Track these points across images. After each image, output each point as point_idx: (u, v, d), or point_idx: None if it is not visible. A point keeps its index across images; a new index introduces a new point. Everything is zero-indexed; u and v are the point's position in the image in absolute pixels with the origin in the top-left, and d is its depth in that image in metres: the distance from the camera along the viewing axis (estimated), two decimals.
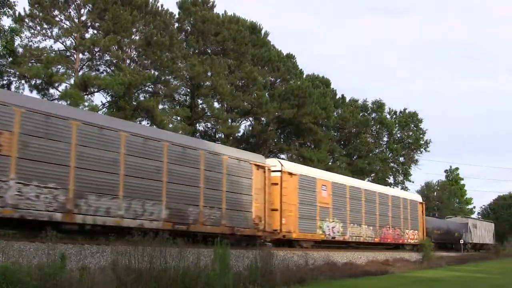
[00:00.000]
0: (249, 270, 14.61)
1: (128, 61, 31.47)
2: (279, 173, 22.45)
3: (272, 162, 23.43)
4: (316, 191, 24.58)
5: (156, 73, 31.48)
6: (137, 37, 31.12)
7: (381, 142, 55.94)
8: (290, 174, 22.93)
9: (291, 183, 22.86)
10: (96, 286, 10.08)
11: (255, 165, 20.52)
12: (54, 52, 29.29)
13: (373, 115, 54.77)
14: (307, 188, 24.01)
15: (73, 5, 29.53)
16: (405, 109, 56.72)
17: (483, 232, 52.56)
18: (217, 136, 41.34)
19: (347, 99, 53.76)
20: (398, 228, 33.08)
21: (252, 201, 20.07)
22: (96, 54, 30.99)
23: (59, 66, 29.12)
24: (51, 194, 13.56)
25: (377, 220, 30.35)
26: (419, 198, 38.74)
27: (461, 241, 44.93)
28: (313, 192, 24.47)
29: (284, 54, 42.72)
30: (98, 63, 32.16)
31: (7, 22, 28.28)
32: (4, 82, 28.49)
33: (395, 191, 37.20)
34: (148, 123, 33.33)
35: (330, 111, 42.76)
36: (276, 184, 22.18)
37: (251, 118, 41.46)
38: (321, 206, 24.97)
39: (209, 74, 34.38)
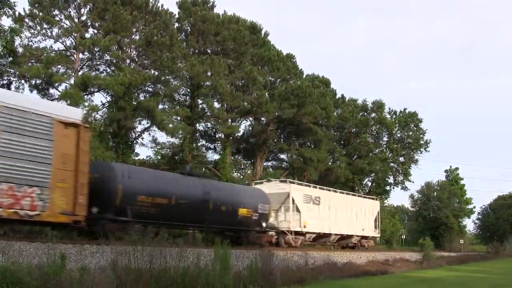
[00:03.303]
0: (249, 270, 14.62)
1: (128, 61, 31.45)
2: None
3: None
4: None
5: (156, 73, 31.47)
6: (137, 37, 31.11)
7: (381, 142, 55.88)
8: None
9: None
10: (96, 286, 10.07)
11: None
12: (54, 52, 29.28)
13: (373, 115, 54.70)
14: None
15: (73, 5, 29.53)
16: (405, 109, 56.66)
17: (342, 215, 31.93)
18: (217, 136, 41.35)
19: (347, 99, 53.75)
20: None
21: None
22: (96, 54, 30.97)
23: (59, 66, 29.12)
24: None
25: None
26: None
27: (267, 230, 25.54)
28: None
29: (284, 54, 42.69)
30: (98, 63, 32.16)
31: (7, 22, 28.30)
32: (4, 82, 28.51)
33: None
34: (148, 123, 33.40)
35: (330, 111, 42.73)
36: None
37: (251, 118, 41.44)
38: None
39: (209, 74, 34.36)
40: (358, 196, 38.50)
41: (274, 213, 26.80)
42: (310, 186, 30.67)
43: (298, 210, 27.55)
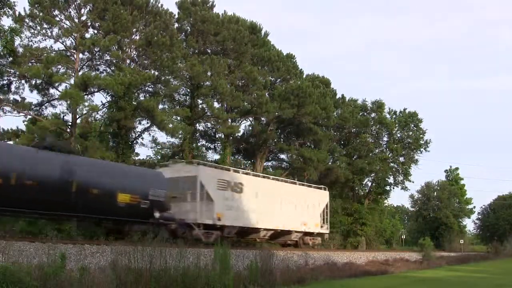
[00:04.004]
0: (249, 270, 14.63)
1: (128, 61, 31.44)
2: None
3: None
4: None
5: (156, 73, 31.46)
6: (137, 37, 31.10)
7: (381, 142, 55.83)
8: None
9: None
10: (96, 286, 10.07)
11: None
12: (54, 52, 29.25)
13: (373, 115, 54.68)
14: None
15: (73, 5, 29.48)
16: (405, 109, 56.63)
17: (275, 207, 27.23)
18: (217, 136, 41.35)
19: (347, 99, 53.73)
20: None
21: None
22: (96, 54, 30.95)
23: (59, 66, 29.08)
24: None
25: None
26: None
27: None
28: None
29: (284, 54, 42.69)
30: (98, 63, 32.13)
31: (7, 22, 28.28)
32: (4, 82, 28.49)
33: None
34: (148, 123, 33.39)
35: (330, 111, 42.71)
36: None
37: (251, 118, 41.44)
38: None
39: (209, 74, 34.36)
40: (300, 184, 32.07)
41: (180, 202, 22.10)
42: (229, 170, 25.70)
43: (210, 199, 22.95)
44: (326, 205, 32.35)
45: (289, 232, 28.38)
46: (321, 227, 31.23)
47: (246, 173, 27.24)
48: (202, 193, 22.70)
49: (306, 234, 29.90)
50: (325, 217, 31.93)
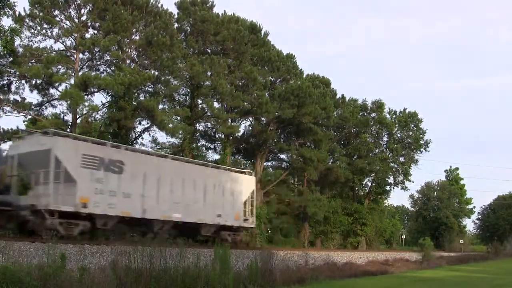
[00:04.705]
0: (249, 270, 14.63)
1: (128, 61, 31.44)
2: None
3: None
4: None
5: (156, 73, 31.46)
6: (137, 37, 31.10)
7: (381, 142, 55.90)
8: None
9: None
10: (96, 286, 10.08)
11: None
12: (54, 52, 29.26)
13: (373, 115, 54.72)
14: None
15: (73, 5, 29.49)
16: (405, 109, 56.70)
17: (175, 194, 22.39)
18: (217, 136, 41.35)
19: (347, 99, 53.75)
20: None
21: None
22: (96, 54, 30.96)
23: (59, 66, 29.09)
24: None
25: None
26: None
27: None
28: None
29: (284, 54, 42.68)
30: (98, 63, 32.14)
31: (7, 22, 28.26)
32: (4, 82, 28.49)
33: None
34: (148, 123, 33.38)
35: (330, 111, 42.72)
36: None
37: (251, 118, 41.44)
38: None
39: (209, 74, 34.36)
40: (213, 167, 25.90)
41: (35, 183, 18.07)
42: (106, 145, 20.60)
43: (70, 179, 18.13)
44: (252, 193, 26.61)
45: (197, 226, 22.94)
46: (245, 220, 25.63)
47: (132, 150, 22.43)
48: (59, 172, 17.79)
49: (224, 228, 24.47)
50: (251, 208, 26.35)
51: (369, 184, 57.80)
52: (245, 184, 26.39)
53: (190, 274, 11.94)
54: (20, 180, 18.44)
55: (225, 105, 37.24)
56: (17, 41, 27.63)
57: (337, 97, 51.55)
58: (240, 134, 41.53)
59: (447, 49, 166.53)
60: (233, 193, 25.18)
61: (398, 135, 56.30)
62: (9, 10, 26.29)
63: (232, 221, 24.82)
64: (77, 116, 29.22)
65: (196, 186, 23.07)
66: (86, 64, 31.35)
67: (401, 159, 56.44)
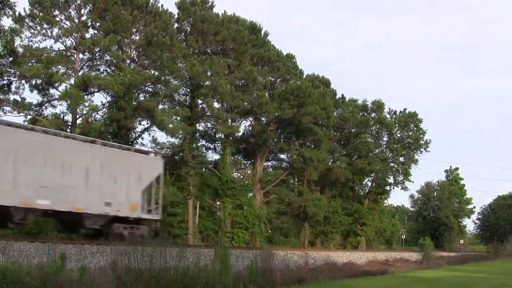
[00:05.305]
0: (249, 270, 14.64)
1: (128, 61, 31.44)
2: None
3: None
4: None
5: (156, 73, 31.45)
6: (137, 37, 31.10)
7: (381, 142, 55.88)
8: None
9: None
10: (96, 286, 10.08)
11: None
12: (54, 52, 29.27)
13: (373, 115, 54.72)
14: None
15: (74, 5, 29.50)
16: (405, 109, 56.68)
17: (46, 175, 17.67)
18: (217, 136, 41.34)
19: (347, 99, 53.77)
20: None
21: None
22: (96, 54, 30.97)
23: (59, 66, 29.10)
24: None
25: None
26: None
27: None
28: None
29: (284, 54, 42.68)
30: (98, 63, 32.14)
31: (7, 22, 28.27)
32: (4, 82, 28.49)
33: None
34: (148, 123, 33.38)
35: (330, 111, 42.71)
36: None
37: (251, 118, 41.42)
38: None
39: (209, 74, 34.34)
40: (102, 144, 20.53)
41: None
42: None
43: None
44: (157, 179, 21.99)
45: (78, 216, 18.46)
46: (148, 211, 21.29)
47: None
48: None
49: (118, 219, 19.91)
50: (156, 197, 21.80)
51: (369, 184, 57.82)
52: (148, 168, 21.61)
53: (190, 274, 11.95)
54: None
55: (225, 105, 37.22)
56: (17, 41, 27.68)
57: (337, 97, 51.57)
58: (240, 134, 41.56)
59: (447, 49, 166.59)
60: (129, 178, 20.41)
61: (398, 135, 56.31)
62: (9, 10, 26.35)
63: (127, 212, 20.06)
64: (77, 116, 29.22)
65: (73, 166, 18.35)
66: (86, 64, 31.36)
67: (401, 159, 56.44)
